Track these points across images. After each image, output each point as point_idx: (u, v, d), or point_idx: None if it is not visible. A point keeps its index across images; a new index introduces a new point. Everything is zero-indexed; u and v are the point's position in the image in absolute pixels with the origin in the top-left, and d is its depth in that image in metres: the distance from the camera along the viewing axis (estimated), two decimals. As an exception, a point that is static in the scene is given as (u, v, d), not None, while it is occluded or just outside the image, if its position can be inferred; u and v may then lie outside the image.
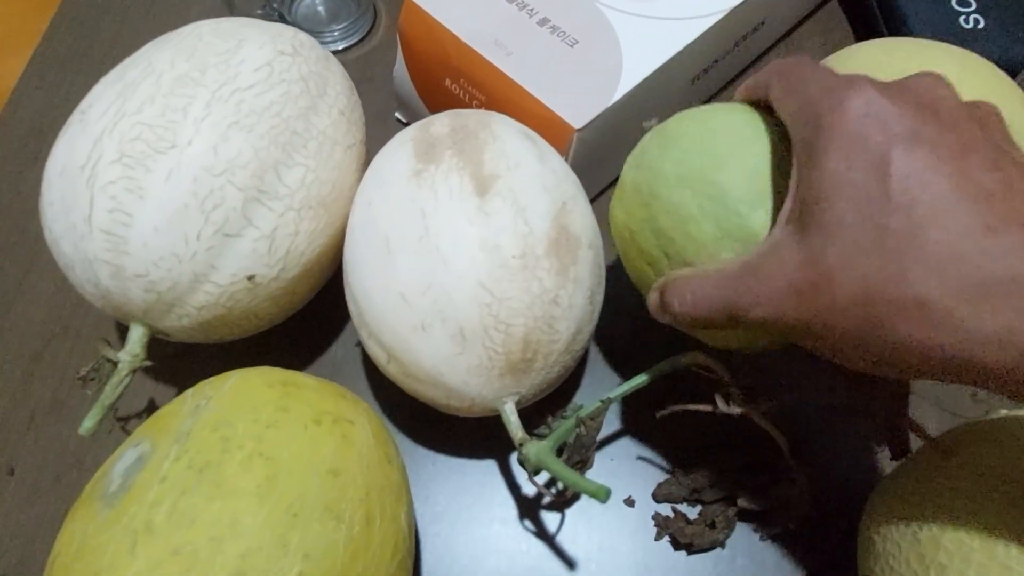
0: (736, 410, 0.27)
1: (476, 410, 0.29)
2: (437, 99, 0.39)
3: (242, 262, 0.28)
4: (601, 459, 0.34)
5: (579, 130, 0.33)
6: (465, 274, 0.26)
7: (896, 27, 0.43)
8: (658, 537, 0.32)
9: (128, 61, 0.30)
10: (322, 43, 0.46)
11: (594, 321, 0.30)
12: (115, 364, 0.29)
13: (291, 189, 0.29)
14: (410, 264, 0.27)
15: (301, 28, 0.45)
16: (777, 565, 0.32)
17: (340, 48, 0.47)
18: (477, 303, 0.26)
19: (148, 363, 0.29)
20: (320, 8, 0.47)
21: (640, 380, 0.28)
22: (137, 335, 0.29)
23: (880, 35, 0.44)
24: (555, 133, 0.34)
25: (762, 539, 0.32)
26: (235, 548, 0.21)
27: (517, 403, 0.28)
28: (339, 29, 0.46)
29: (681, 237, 0.26)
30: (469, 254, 0.26)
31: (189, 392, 0.26)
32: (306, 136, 0.29)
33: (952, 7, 0.42)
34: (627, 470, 0.34)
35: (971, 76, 0.31)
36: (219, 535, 0.21)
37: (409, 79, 0.40)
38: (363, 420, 0.26)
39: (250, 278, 0.28)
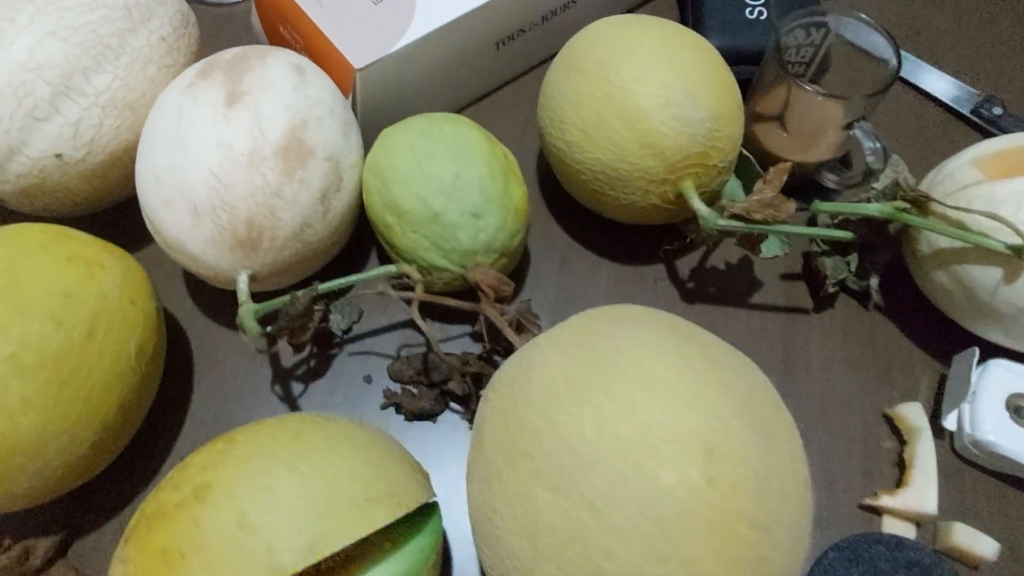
0: (402, 296, 0.34)
1: (222, 280, 0.36)
2: (277, 42, 0.46)
3: (49, 142, 0.36)
4: (359, 344, 0.41)
5: (359, 70, 0.40)
6: (199, 163, 0.33)
7: (697, 13, 0.48)
8: (383, 406, 0.39)
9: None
10: (221, -6, 0.54)
11: (332, 222, 0.37)
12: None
13: (98, 90, 0.36)
14: (164, 153, 0.34)
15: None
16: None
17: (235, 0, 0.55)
18: (207, 186, 0.33)
19: (-18, 218, 0.37)
20: (219, -38, 0.54)
21: (351, 279, 0.35)
22: (-24, 196, 0.37)
23: (686, 21, 0.50)
24: (342, 72, 0.41)
25: (463, 418, 0.39)
26: (-35, 327, 0.29)
27: (252, 277, 0.35)
28: (233, -18, 0.54)
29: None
30: (206, 148, 0.33)
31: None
32: (119, 51, 0.37)
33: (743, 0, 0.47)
34: (375, 354, 0.41)
35: (673, 42, 0.37)
36: (-43, 318, 0.29)
37: (260, 26, 0.47)
38: (117, 268, 0.34)
39: (58, 156, 0.36)
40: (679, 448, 0.24)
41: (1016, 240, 0.33)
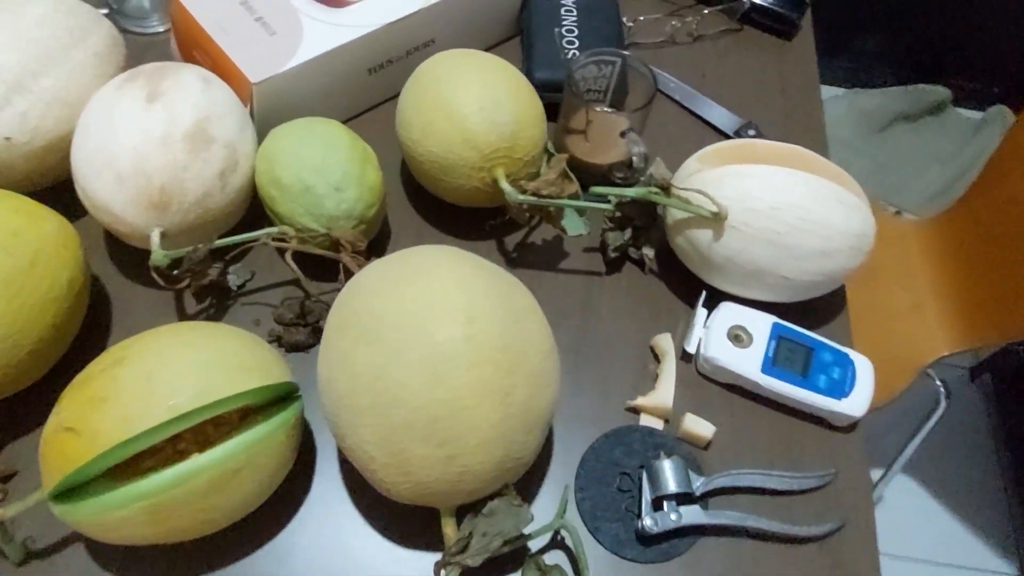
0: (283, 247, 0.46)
1: (139, 237, 0.46)
2: (191, 63, 0.57)
3: (2, 127, 0.46)
4: (250, 297, 0.52)
5: (255, 84, 0.52)
6: (125, 142, 0.44)
7: (529, 53, 0.63)
8: (269, 341, 0.50)
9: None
10: (149, 26, 0.65)
11: (229, 194, 0.48)
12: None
13: (43, 88, 0.47)
14: (97, 135, 0.45)
15: (129, 15, 0.65)
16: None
17: (161, 30, 0.66)
18: (129, 160, 0.44)
19: (-60, 187, 0.47)
20: (145, 3, 0.66)
21: (242, 237, 0.46)
22: (-63, 170, 0.47)
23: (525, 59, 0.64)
24: (242, 86, 0.52)
25: (329, 347, 0.50)
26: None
27: (163, 234, 0.46)
28: (157, 16, 0.65)
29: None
30: (130, 132, 0.44)
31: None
32: (61, 61, 0.48)
33: (563, 45, 0.62)
34: (262, 304, 0.52)
35: (489, 68, 0.50)
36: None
37: (177, 50, 0.59)
38: (52, 220, 0.44)
39: (7, 138, 0.46)
40: (449, 317, 0.36)
41: (715, 208, 0.47)
